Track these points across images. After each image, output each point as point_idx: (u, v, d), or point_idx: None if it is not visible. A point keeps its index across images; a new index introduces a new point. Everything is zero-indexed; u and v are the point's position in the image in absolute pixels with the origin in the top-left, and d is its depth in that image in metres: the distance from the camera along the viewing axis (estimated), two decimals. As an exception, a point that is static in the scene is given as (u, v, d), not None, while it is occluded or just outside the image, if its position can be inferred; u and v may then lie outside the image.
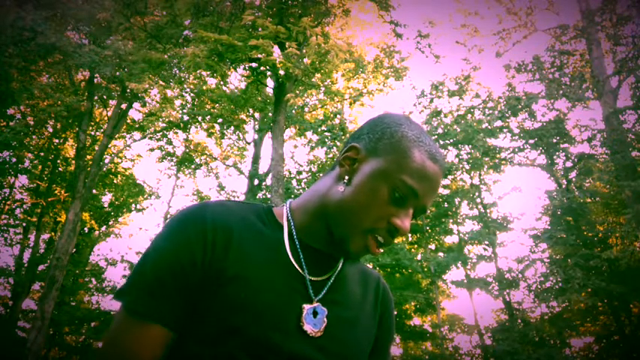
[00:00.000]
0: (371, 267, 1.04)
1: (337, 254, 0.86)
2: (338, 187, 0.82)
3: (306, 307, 0.78)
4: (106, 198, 19.35)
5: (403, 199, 0.78)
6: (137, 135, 17.18)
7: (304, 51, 9.91)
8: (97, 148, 14.63)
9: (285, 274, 0.79)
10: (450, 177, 16.80)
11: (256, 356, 0.72)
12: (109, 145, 15.39)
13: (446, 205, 16.93)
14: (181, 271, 0.75)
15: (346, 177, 0.82)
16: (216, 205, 0.82)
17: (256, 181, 15.85)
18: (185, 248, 0.76)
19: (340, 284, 0.86)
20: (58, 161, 17.48)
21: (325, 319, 0.79)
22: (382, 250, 0.81)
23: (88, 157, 14.81)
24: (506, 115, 15.84)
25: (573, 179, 15.48)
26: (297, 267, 0.81)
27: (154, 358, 0.73)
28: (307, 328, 0.76)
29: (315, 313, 0.78)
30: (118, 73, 11.48)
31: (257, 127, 17.29)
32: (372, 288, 0.94)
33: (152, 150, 17.21)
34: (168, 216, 18.97)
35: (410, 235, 17.56)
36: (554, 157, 15.77)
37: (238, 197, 17.60)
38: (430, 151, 0.80)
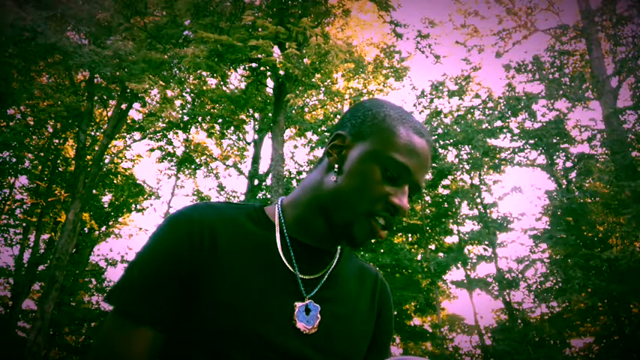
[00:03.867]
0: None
1: (341, 244, 0.85)
2: (330, 177, 0.81)
3: (298, 304, 0.77)
4: (106, 198, 19.36)
5: (396, 177, 0.78)
6: (137, 135, 17.19)
7: (304, 51, 9.92)
8: (97, 148, 14.64)
9: (276, 273, 0.79)
10: (450, 177, 16.80)
11: (251, 355, 0.72)
12: (109, 145, 15.39)
13: (446, 205, 16.93)
14: (168, 273, 0.75)
15: (336, 165, 0.81)
16: (204, 207, 0.81)
17: (256, 182, 15.86)
18: (171, 250, 0.76)
19: (334, 281, 0.85)
20: (58, 161, 17.48)
21: (319, 316, 0.78)
22: (386, 234, 0.80)
23: (88, 157, 14.81)
24: (506, 115, 15.85)
25: (573, 179, 15.47)
26: (287, 265, 0.80)
27: (144, 359, 0.74)
28: (300, 325, 0.76)
29: (307, 311, 0.78)
30: (118, 74, 11.48)
31: (257, 127, 17.29)
32: (369, 285, 0.93)
33: (152, 150, 17.22)
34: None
35: (410, 235, 17.57)
36: (554, 157, 15.76)
37: (238, 197, 17.60)
38: (415, 126, 0.81)
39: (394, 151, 0.77)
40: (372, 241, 0.85)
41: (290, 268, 0.80)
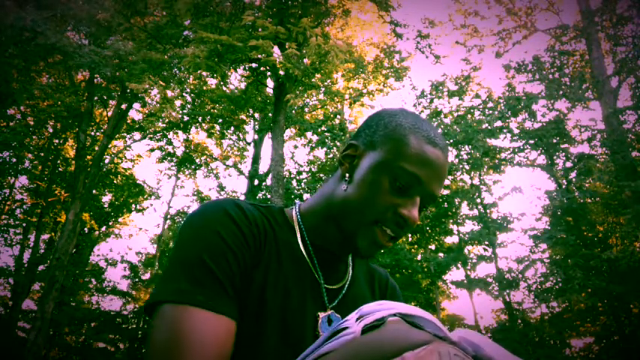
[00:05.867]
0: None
1: (348, 253, 0.86)
2: (341, 186, 0.81)
3: (321, 315, 0.78)
4: (106, 198, 19.36)
5: (406, 187, 0.76)
6: (137, 135, 17.19)
7: (304, 51, 9.91)
8: (97, 148, 14.63)
9: (305, 281, 0.79)
10: (450, 177, 16.80)
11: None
12: (109, 146, 15.39)
13: (446, 205, 16.91)
14: (236, 262, 0.71)
15: (347, 175, 0.81)
16: (245, 203, 0.80)
17: (256, 182, 15.85)
18: (239, 240, 0.73)
19: (352, 289, 0.86)
20: (58, 161, 17.47)
21: None
22: (391, 244, 0.79)
23: (88, 157, 14.81)
24: (506, 115, 15.84)
25: (573, 179, 15.47)
26: (314, 273, 0.80)
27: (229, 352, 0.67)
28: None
29: (329, 321, 0.78)
30: (118, 74, 11.48)
31: (257, 127, 17.29)
32: (379, 288, 0.95)
33: (152, 150, 17.21)
34: (168, 216, 18.97)
35: (410, 235, 17.56)
36: (555, 157, 15.76)
37: (238, 197, 17.60)
38: (428, 135, 0.78)
39: (404, 160, 0.75)
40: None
41: (316, 276, 0.80)
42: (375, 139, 0.80)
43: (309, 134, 16.57)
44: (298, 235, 0.83)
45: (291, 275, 0.77)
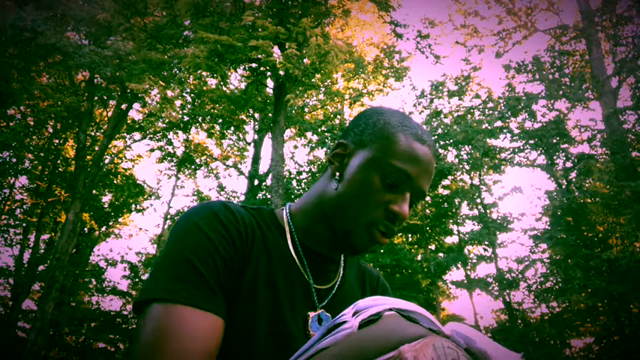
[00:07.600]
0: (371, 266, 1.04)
1: (343, 252, 0.86)
2: (331, 184, 0.82)
3: (311, 314, 0.79)
4: (106, 198, 19.36)
5: (396, 183, 0.77)
6: (137, 135, 17.19)
7: (304, 51, 9.91)
8: (97, 148, 14.64)
9: (294, 281, 0.80)
10: (450, 177, 16.79)
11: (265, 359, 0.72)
12: (109, 146, 15.39)
13: (446, 205, 16.92)
14: (223, 262, 0.72)
15: (337, 173, 0.82)
16: (235, 205, 0.81)
17: (256, 182, 15.85)
18: (226, 240, 0.74)
19: (342, 289, 0.86)
20: (58, 161, 17.47)
21: None
22: (387, 241, 0.80)
23: (88, 157, 14.82)
24: (506, 115, 15.83)
25: (573, 179, 15.46)
26: (303, 274, 0.81)
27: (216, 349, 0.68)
28: (313, 335, 0.77)
29: (319, 320, 0.79)
30: (118, 74, 11.48)
31: (257, 127, 17.29)
32: (370, 288, 0.95)
33: (152, 150, 17.22)
34: (168, 216, 18.97)
35: (410, 235, 17.56)
36: (555, 157, 15.76)
37: (238, 197, 17.60)
38: (416, 133, 0.80)
39: (393, 157, 0.77)
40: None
41: (305, 276, 0.81)
42: (364, 138, 0.81)
43: (309, 134, 16.57)
44: (288, 236, 0.83)
45: (280, 275, 0.78)
